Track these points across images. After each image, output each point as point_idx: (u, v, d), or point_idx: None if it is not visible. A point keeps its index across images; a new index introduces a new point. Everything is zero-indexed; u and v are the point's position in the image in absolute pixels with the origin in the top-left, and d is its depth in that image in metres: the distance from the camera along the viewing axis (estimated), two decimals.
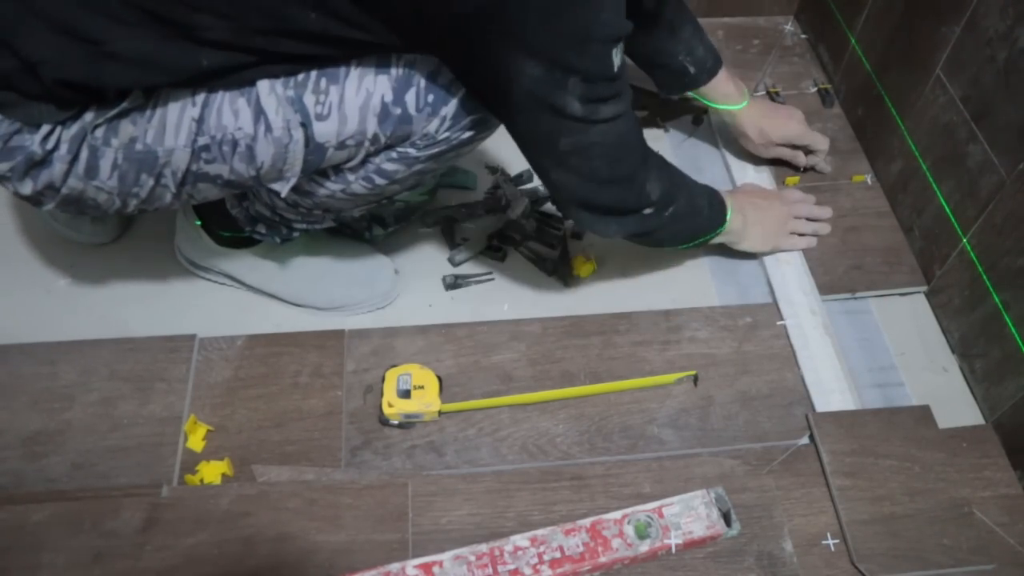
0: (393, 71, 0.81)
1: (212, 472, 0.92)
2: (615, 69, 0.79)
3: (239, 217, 1.00)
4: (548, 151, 0.85)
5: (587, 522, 0.87)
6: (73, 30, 0.73)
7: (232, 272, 1.09)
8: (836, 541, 0.91)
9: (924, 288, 1.15)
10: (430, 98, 0.82)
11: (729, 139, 1.29)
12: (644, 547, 0.86)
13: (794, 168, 1.26)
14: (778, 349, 1.08)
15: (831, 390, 1.03)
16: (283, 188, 0.86)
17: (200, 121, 0.80)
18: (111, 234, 1.14)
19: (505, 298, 1.13)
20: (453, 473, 0.95)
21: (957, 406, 1.05)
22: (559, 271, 1.15)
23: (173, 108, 0.80)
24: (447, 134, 0.85)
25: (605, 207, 0.92)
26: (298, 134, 0.81)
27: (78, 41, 0.73)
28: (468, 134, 0.86)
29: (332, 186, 0.89)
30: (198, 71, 0.76)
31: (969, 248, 1.05)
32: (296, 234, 1.02)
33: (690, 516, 0.89)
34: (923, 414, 1.00)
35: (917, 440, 0.97)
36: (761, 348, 1.08)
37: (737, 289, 1.16)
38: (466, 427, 0.99)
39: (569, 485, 0.93)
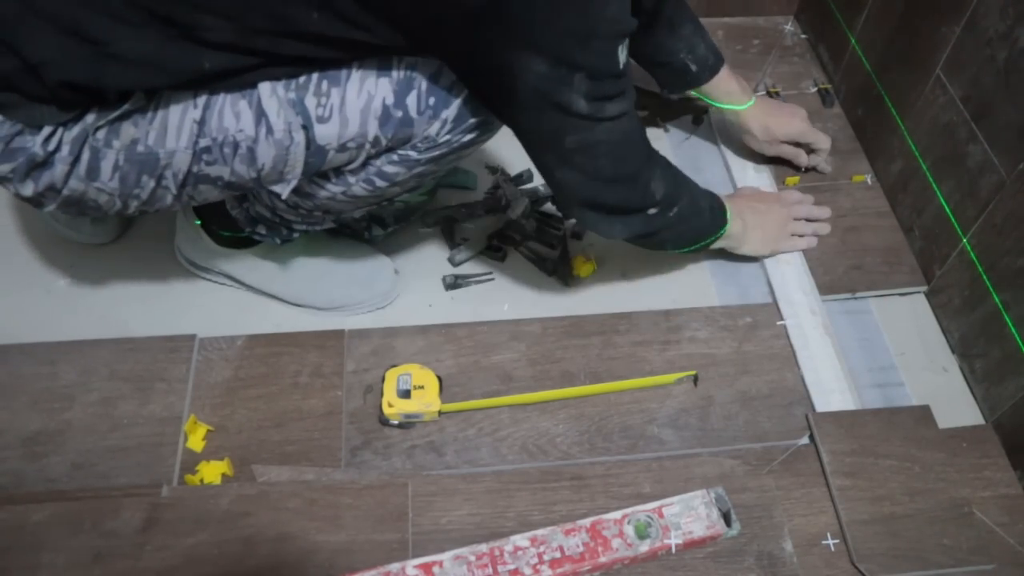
0: (394, 74, 0.81)
1: (212, 472, 0.92)
2: (621, 66, 0.78)
3: (239, 218, 1.00)
4: (553, 149, 0.85)
5: (587, 522, 0.88)
6: (75, 30, 0.73)
7: (232, 272, 1.09)
8: (836, 541, 0.91)
9: (924, 288, 1.15)
10: (431, 101, 0.82)
11: (729, 139, 1.29)
12: (644, 547, 0.86)
13: (795, 168, 1.26)
14: (778, 349, 1.08)
15: (831, 390, 1.03)
16: (284, 190, 0.86)
17: (201, 123, 0.80)
18: (111, 234, 1.14)
19: (505, 298, 1.13)
20: (453, 473, 0.95)
21: (957, 406, 1.05)
22: (559, 271, 1.15)
23: (175, 110, 0.79)
24: (448, 137, 0.85)
25: (610, 206, 0.92)
26: (299, 136, 0.81)
27: (80, 41, 0.73)
28: (469, 137, 0.86)
29: (333, 188, 0.89)
30: (200, 73, 0.76)
31: (969, 248, 1.05)
32: (296, 235, 1.02)
33: (690, 516, 0.89)
34: (923, 414, 1.00)
35: (917, 440, 0.97)
36: (761, 348, 1.08)
37: (737, 289, 1.16)
38: (466, 427, 0.99)
39: (569, 485, 0.93)
